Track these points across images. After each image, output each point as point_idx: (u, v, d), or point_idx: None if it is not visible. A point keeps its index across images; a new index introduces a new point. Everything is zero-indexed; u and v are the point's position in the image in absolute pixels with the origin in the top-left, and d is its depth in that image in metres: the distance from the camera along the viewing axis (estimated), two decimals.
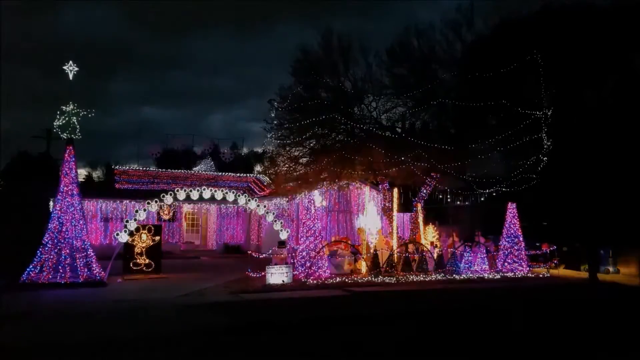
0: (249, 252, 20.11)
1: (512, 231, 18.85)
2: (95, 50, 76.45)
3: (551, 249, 19.81)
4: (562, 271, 20.01)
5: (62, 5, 77.36)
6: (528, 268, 18.63)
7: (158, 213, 25.67)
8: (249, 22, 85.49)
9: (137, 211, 15.84)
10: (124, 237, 15.79)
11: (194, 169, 29.47)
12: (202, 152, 36.41)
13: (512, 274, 18.18)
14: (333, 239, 21.86)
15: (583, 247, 19.86)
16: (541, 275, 18.63)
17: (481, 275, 17.84)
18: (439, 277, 17.39)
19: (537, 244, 20.17)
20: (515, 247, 18.66)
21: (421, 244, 18.96)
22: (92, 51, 74.67)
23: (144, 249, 17.47)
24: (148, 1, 77.33)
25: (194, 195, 16.12)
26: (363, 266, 18.02)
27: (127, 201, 25.42)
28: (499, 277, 17.91)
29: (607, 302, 13.94)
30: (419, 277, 17.21)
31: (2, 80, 68.04)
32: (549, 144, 19.06)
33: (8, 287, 13.79)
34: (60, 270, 14.72)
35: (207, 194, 16.28)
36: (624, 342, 9.43)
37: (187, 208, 28.12)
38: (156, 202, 16.03)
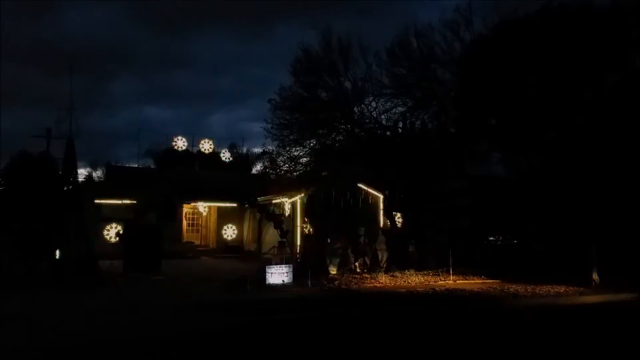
0: (249, 251, 20.13)
1: None
2: (96, 49, 76.36)
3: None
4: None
5: (63, 4, 77.45)
6: None
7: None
8: (249, 22, 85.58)
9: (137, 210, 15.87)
10: (123, 237, 15.81)
11: None
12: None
13: None
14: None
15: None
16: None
17: None
18: None
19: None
20: None
21: None
22: (92, 51, 74.53)
23: (143, 249, 17.45)
24: (149, 1, 77.28)
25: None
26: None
27: (127, 200, 25.39)
28: None
29: None
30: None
31: (2, 80, 68.03)
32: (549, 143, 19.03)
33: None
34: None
35: None
36: None
37: (187, 208, 28.14)
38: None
